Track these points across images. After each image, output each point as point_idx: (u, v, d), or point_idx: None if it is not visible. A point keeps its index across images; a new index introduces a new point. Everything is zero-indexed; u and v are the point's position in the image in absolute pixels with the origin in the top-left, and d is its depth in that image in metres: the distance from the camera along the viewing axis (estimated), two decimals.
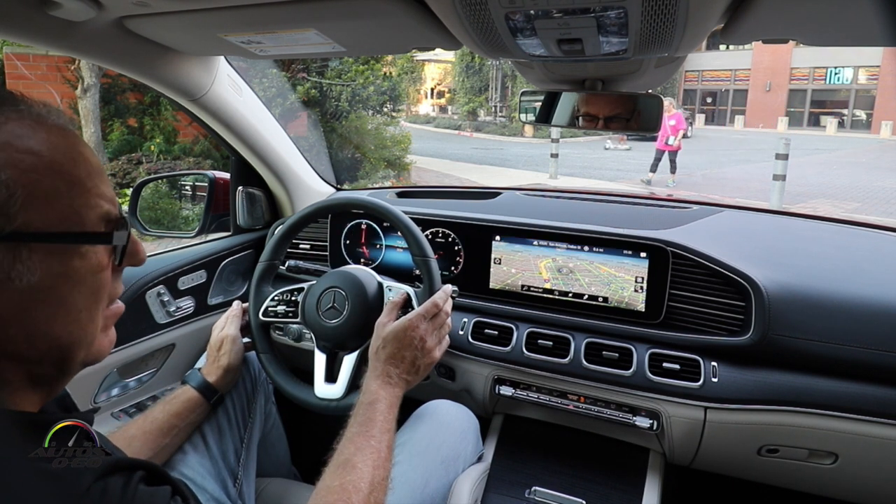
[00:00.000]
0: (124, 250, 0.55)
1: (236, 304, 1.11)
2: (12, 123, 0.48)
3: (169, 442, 0.90)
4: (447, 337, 0.99)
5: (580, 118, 1.06)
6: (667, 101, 7.56)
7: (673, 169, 9.53)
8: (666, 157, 9.56)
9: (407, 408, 0.94)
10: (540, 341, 1.17)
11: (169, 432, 0.90)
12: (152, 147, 6.55)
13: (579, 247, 1.21)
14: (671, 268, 1.14)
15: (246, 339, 1.08)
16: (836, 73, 23.20)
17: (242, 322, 1.09)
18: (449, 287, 1.01)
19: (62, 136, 0.50)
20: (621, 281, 1.18)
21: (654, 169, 9.66)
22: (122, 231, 0.54)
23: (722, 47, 24.33)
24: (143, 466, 0.52)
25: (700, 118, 24.93)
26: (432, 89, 30.57)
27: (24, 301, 0.47)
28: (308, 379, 1.03)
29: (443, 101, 29.22)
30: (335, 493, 0.69)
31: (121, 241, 0.54)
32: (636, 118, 1.02)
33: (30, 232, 0.46)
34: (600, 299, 1.20)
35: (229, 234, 1.52)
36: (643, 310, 1.16)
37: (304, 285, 1.08)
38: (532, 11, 0.66)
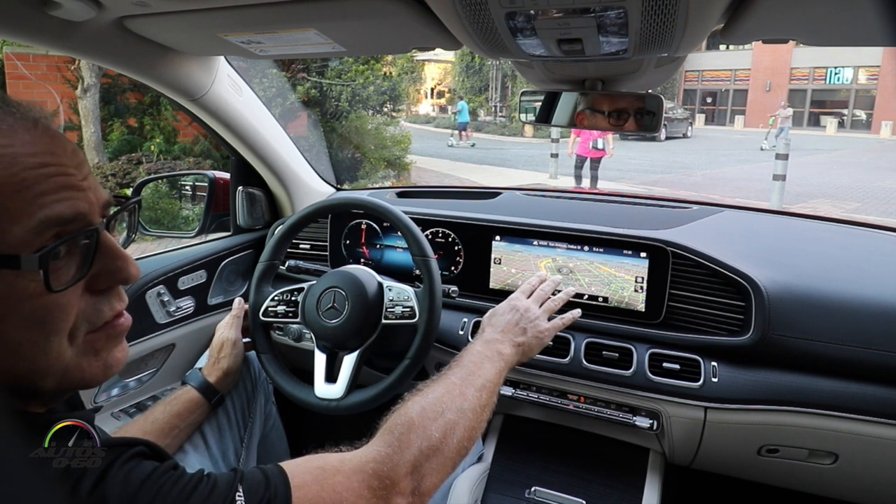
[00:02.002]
0: (46, 275, 0.44)
1: (238, 302, 1.11)
2: None
3: (170, 442, 0.90)
4: (556, 318, 1.02)
5: (580, 118, 1.06)
6: None
7: (594, 181, 7.76)
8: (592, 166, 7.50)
9: None
10: None
11: (170, 433, 0.90)
12: (152, 147, 6.56)
13: (579, 247, 1.21)
14: (671, 268, 1.14)
15: (246, 340, 1.08)
16: (836, 73, 23.19)
17: (244, 324, 1.08)
18: (543, 273, 1.06)
19: None
20: (621, 281, 1.18)
21: (579, 181, 7.99)
22: (71, 242, 0.46)
23: (722, 47, 24.32)
24: (143, 443, 0.52)
25: (700, 118, 24.93)
26: (432, 89, 30.56)
27: None
28: (308, 379, 1.03)
29: (443, 101, 29.21)
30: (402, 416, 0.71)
31: (31, 266, 0.43)
32: (636, 118, 1.02)
33: None
34: (600, 299, 1.20)
35: (229, 234, 1.52)
36: (643, 310, 1.16)
37: (304, 285, 1.08)
38: (532, 11, 0.66)
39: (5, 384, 0.45)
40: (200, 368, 1.01)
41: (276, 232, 1.44)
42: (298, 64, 6.79)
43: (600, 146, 7.20)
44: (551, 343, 1.16)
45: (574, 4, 0.63)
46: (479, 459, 1.15)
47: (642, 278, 1.16)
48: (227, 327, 1.06)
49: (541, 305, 1.01)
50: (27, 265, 0.43)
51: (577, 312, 1.06)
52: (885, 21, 0.28)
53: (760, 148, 15.03)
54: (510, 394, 1.20)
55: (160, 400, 0.96)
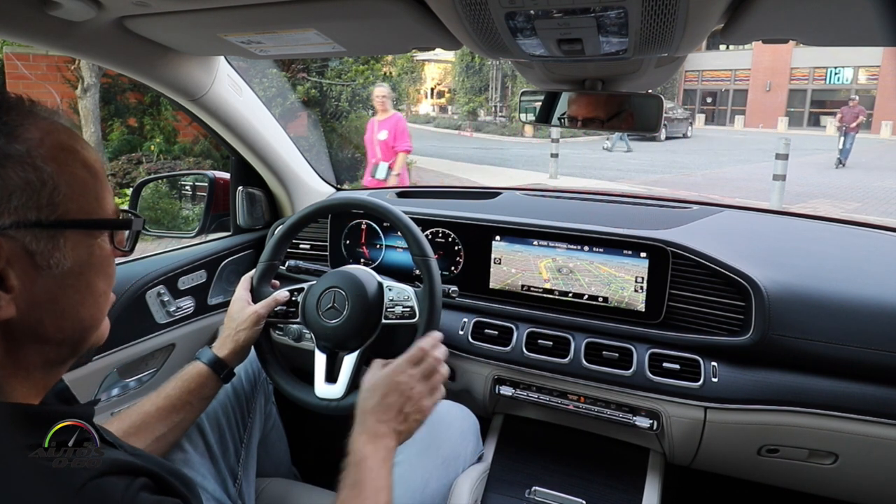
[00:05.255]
0: (137, 235, 0.60)
1: (247, 277, 1.09)
2: (41, 122, 0.52)
3: (183, 417, 0.90)
4: (441, 387, 0.88)
5: (580, 118, 1.06)
6: (381, 89, 4.69)
7: None
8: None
9: None
10: (540, 341, 1.17)
11: (182, 408, 0.90)
12: (152, 147, 6.56)
13: (579, 247, 1.21)
14: (671, 268, 1.14)
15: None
16: (836, 73, 23.18)
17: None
18: (438, 334, 0.94)
19: (71, 134, 0.55)
20: (621, 281, 1.18)
21: None
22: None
23: (722, 47, 24.32)
24: (147, 473, 0.51)
25: (700, 118, 24.92)
26: (432, 89, 30.55)
27: (58, 287, 0.51)
28: (308, 379, 1.03)
29: (443, 101, 29.19)
30: None
31: (139, 227, 0.60)
32: (635, 118, 1.02)
33: (69, 220, 0.51)
34: (600, 299, 1.20)
35: (229, 234, 1.52)
36: (643, 310, 1.16)
37: (305, 285, 1.08)
38: (532, 11, 0.66)
39: (84, 333, 0.55)
40: (211, 346, 0.99)
41: (276, 232, 1.44)
42: (298, 64, 6.78)
43: (381, 175, 4.86)
44: (550, 343, 1.16)
45: (574, 4, 0.63)
46: (479, 459, 1.15)
47: (642, 278, 1.16)
48: (247, 301, 1.03)
49: (428, 378, 0.87)
50: (136, 226, 0.59)
51: (446, 370, 0.91)
52: (885, 21, 0.28)
53: (603, 147, 15.41)
54: (510, 394, 1.20)
55: (173, 376, 0.94)
